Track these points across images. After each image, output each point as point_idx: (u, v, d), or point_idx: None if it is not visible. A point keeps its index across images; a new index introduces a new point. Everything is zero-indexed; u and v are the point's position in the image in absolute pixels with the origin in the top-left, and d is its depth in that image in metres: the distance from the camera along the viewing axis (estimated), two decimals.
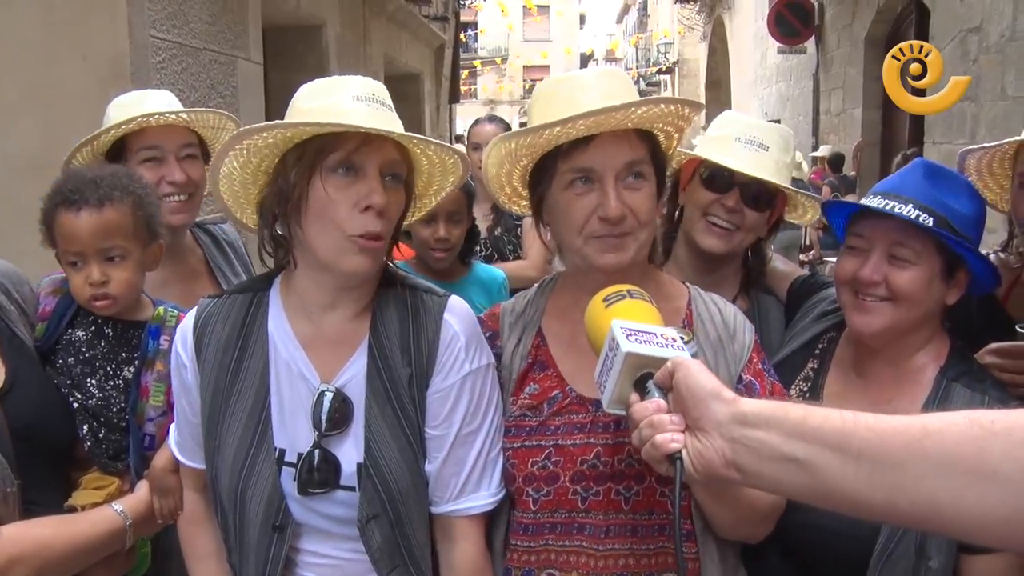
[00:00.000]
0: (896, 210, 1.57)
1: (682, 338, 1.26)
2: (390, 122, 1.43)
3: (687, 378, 1.12)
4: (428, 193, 1.64)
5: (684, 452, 1.10)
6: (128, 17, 3.85)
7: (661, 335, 1.23)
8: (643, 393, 1.18)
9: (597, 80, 1.47)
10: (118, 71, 3.77)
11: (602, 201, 1.43)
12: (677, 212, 2.15)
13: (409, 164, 1.49)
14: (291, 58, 6.80)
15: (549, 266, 3.55)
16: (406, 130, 1.45)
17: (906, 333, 1.64)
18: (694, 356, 1.26)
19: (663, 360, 1.17)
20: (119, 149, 2.13)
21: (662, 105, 1.44)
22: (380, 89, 1.48)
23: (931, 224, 1.55)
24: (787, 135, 2.12)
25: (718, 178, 1.97)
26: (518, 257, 3.83)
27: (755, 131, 2.00)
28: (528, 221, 3.80)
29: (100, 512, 1.64)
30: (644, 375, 1.18)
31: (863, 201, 1.65)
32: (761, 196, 1.98)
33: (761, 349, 1.60)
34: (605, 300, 1.31)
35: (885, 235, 1.60)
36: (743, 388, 1.50)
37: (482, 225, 3.88)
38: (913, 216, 1.55)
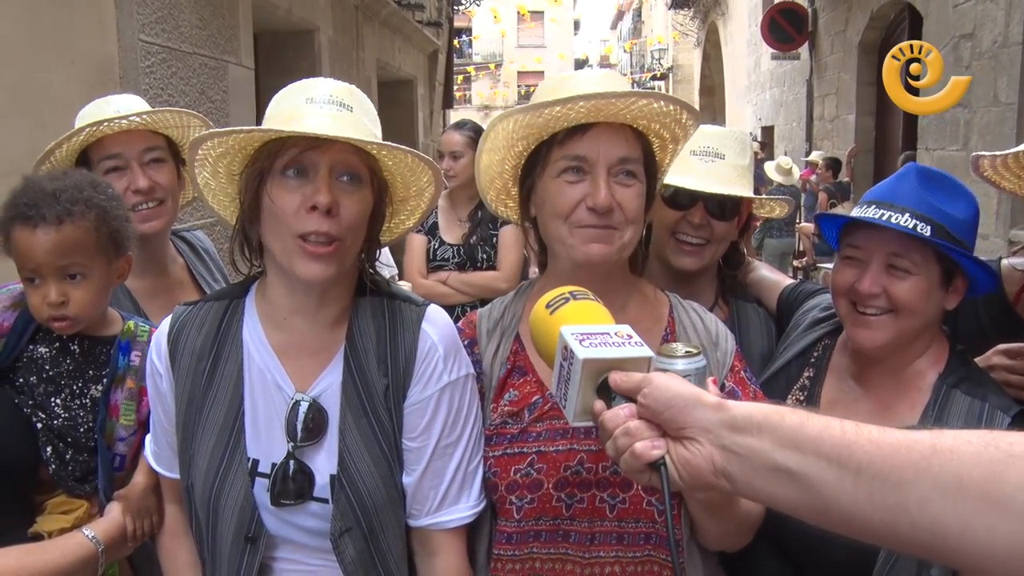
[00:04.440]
0: (893, 220, 1.53)
1: (688, 352, 1.19)
2: (343, 123, 1.38)
3: (656, 391, 1.04)
4: (410, 194, 1.58)
5: (667, 458, 1.03)
6: (116, 21, 3.82)
7: (615, 333, 1.15)
8: (609, 400, 1.10)
9: (599, 76, 1.52)
10: (106, 75, 3.73)
11: (591, 191, 1.42)
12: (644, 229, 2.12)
13: (372, 165, 1.43)
14: (283, 63, 6.77)
15: (522, 279, 3.54)
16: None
17: (908, 342, 1.60)
18: (704, 369, 1.20)
19: (624, 360, 1.11)
20: (86, 161, 2.00)
21: (662, 102, 1.45)
22: (341, 90, 1.44)
23: (929, 233, 1.52)
24: (742, 137, 2.05)
25: (680, 195, 1.93)
26: (492, 267, 3.81)
27: (709, 141, 1.95)
28: (504, 231, 3.79)
29: (70, 539, 1.56)
30: (606, 379, 1.11)
31: (856, 211, 1.61)
32: (726, 206, 1.94)
33: (742, 357, 1.58)
34: (548, 306, 1.24)
35: (882, 245, 1.57)
36: (726, 395, 1.46)
37: (458, 233, 3.87)
38: (911, 226, 1.52)
